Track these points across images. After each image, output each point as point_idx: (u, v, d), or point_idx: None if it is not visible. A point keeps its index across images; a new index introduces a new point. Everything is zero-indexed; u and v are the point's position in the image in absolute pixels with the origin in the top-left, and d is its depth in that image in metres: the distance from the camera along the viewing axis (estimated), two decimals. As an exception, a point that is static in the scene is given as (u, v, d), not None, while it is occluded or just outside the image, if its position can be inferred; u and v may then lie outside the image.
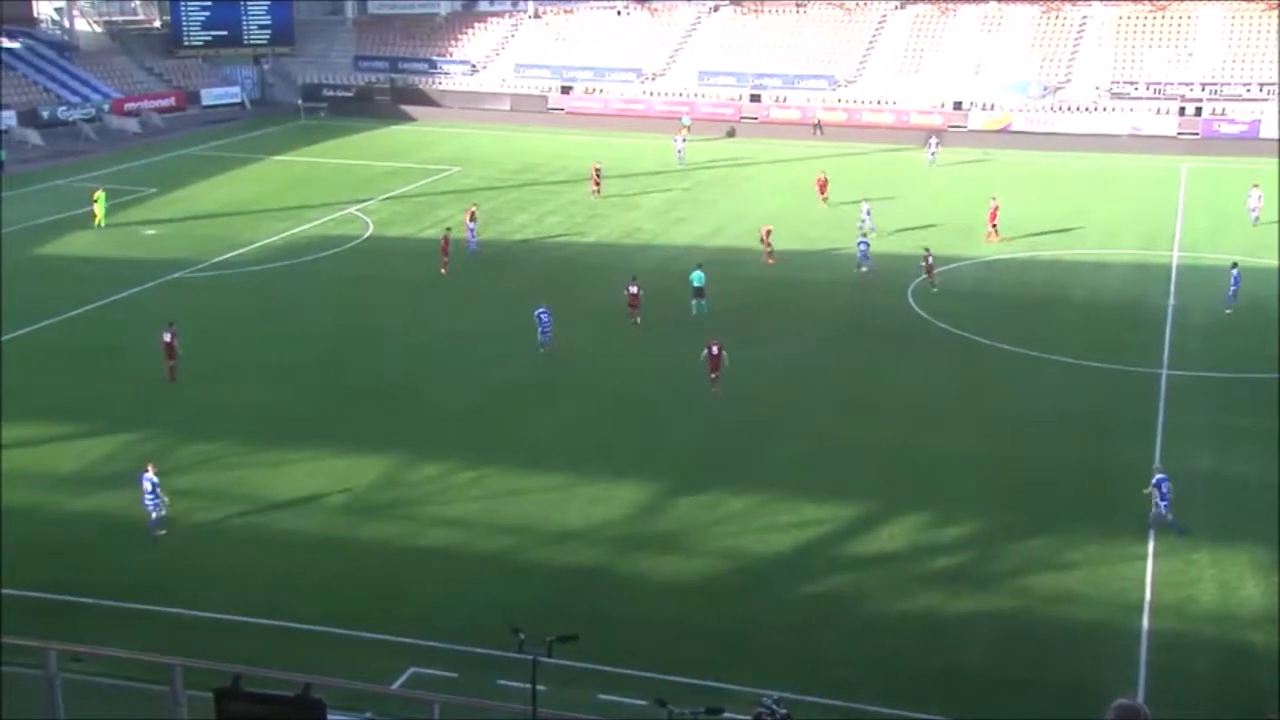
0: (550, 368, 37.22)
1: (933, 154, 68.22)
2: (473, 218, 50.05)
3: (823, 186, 58.04)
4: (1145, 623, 23.71)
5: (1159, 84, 75.52)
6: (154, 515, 26.89)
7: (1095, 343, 38.74)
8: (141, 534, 26.82)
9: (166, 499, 27.00)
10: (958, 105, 77.90)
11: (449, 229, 48.56)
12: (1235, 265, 42.48)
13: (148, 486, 26.80)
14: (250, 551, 26.49)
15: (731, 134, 78.81)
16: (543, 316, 38.17)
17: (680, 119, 78.24)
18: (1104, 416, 33.49)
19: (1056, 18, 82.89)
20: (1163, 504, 26.76)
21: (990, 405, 34.41)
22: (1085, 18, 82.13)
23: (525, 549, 26.60)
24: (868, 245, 47.20)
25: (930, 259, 44.66)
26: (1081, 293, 44.84)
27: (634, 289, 40.85)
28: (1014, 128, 75.78)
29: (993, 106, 77.24)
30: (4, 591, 24.00)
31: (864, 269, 46.63)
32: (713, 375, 34.59)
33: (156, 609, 23.90)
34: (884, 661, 22.72)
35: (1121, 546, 26.40)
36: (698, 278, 41.67)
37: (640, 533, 27.40)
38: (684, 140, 70.99)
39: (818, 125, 78.00)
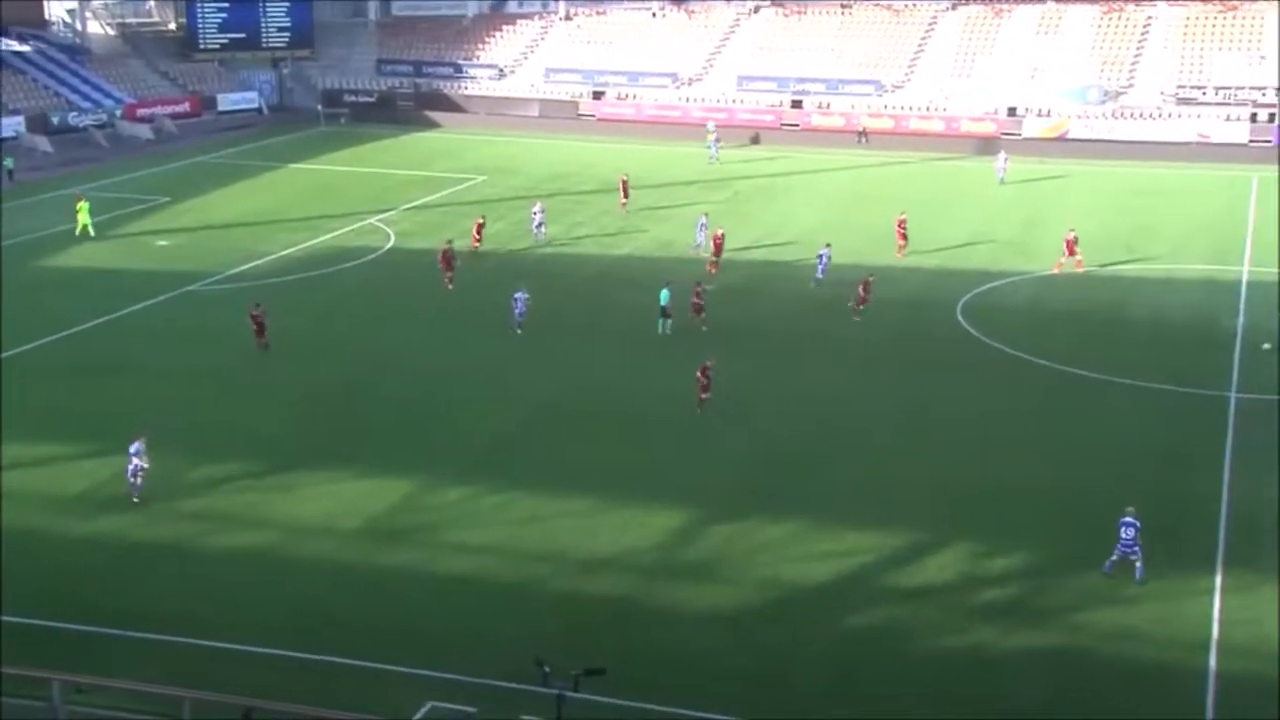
0: (579, 388, 37.29)
1: (1002, 171, 65.86)
2: (480, 230, 52.11)
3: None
4: (1212, 663, 23.43)
5: (1229, 89, 74.94)
6: (135, 482, 29.57)
7: (1159, 364, 38.42)
8: (150, 559, 27.28)
9: (145, 468, 29.51)
10: (1012, 112, 77.68)
11: (450, 240, 49.07)
12: None
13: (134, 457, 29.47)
14: (263, 578, 26.57)
15: (756, 140, 79.10)
16: (518, 297, 41.85)
17: (706, 125, 78.20)
18: (1169, 442, 33.18)
19: (1119, 19, 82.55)
20: (1119, 548, 25.91)
21: (1047, 430, 34.15)
22: (1150, 19, 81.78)
23: (551, 578, 26.60)
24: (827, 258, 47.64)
25: (869, 282, 43.83)
26: (1145, 311, 44.52)
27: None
28: (1071, 135, 75.50)
29: (1049, 113, 76.96)
30: (6, 619, 24.27)
31: (812, 284, 47.07)
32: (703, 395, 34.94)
33: (164, 638, 24.00)
34: (931, 700, 22.53)
35: (1187, 581, 26.14)
36: (664, 296, 41.79)
37: (673, 561, 27.36)
38: (717, 141, 72.53)
39: (863, 133, 78.06)
